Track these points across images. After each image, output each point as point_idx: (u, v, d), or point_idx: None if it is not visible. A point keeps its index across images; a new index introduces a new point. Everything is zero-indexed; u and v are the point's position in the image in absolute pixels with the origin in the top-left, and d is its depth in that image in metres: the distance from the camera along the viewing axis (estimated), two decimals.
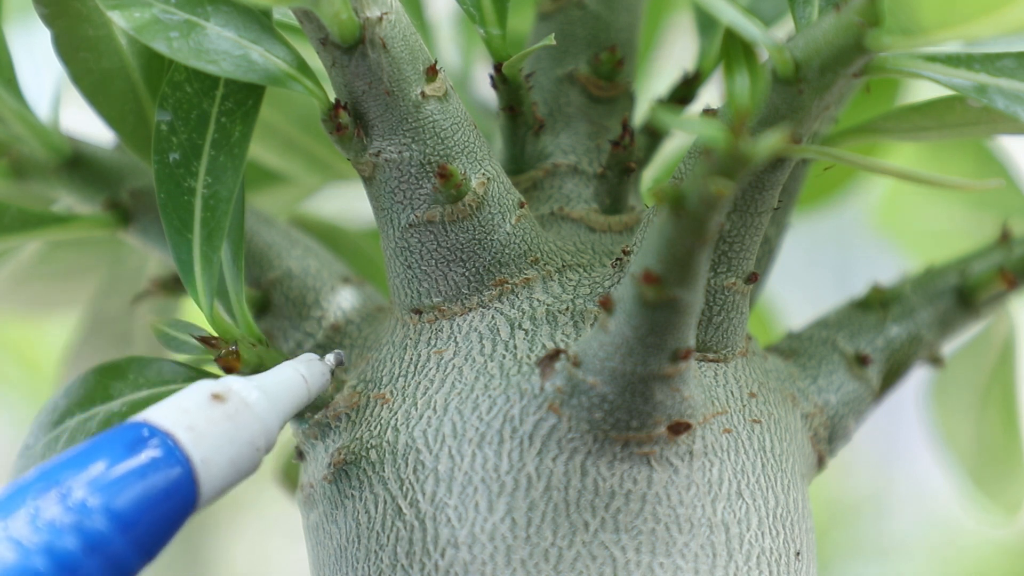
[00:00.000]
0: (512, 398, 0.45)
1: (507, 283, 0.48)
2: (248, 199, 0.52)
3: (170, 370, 0.49)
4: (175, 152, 0.48)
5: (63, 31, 0.50)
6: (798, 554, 0.47)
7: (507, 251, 0.48)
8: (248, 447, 0.42)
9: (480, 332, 0.47)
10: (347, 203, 0.74)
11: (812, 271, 1.49)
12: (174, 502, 0.40)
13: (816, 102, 0.44)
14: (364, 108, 0.46)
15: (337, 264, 0.54)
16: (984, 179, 0.67)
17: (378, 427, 0.47)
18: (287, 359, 0.48)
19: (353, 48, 0.45)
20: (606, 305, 0.42)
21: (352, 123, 0.46)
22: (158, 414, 0.41)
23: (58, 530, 0.38)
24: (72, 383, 0.50)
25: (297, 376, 0.45)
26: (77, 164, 0.55)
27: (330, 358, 0.47)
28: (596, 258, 0.49)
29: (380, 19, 0.45)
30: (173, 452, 0.41)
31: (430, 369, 0.47)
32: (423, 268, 0.48)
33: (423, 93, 0.46)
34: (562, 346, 0.46)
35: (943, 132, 0.49)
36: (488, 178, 0.47)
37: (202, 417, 0.42)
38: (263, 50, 0.46)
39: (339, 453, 0.47)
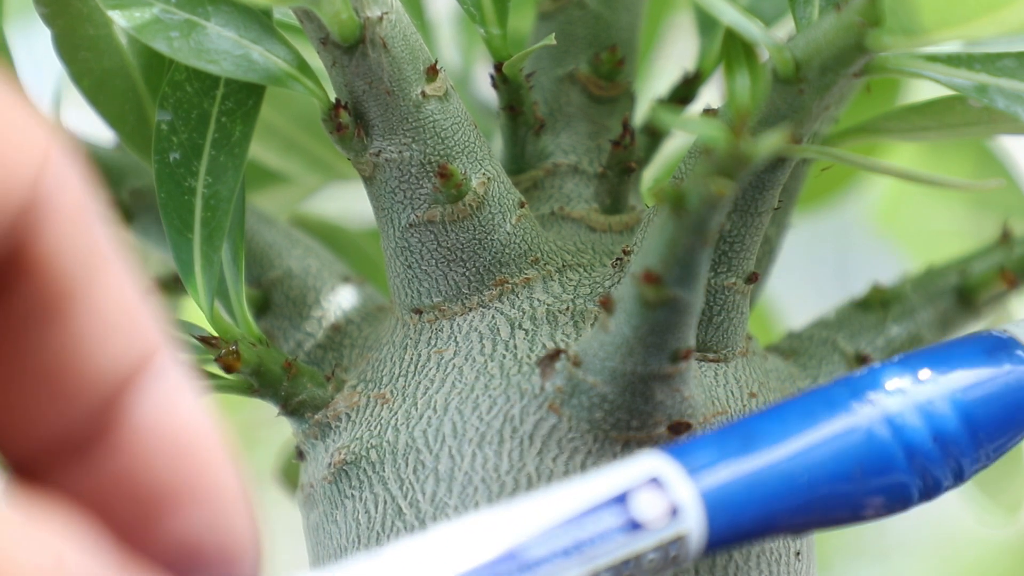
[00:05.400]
0: (512, 398, 0.45)
1: (507, 283, 0.48)
2: (248, 199, 0.52)
3: None
4: (175, 152, 0.48)
5: (63, 31, 0.50)
6: (798, 554, 0.47)
7: (507, 251, 0.48)
8: None
9: (480, 332, 0.47)
10: (347, 203, 0.74)
11: (813, 271, 1.49)
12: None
13: (817, 102, 0.44)
14: (364, 108, 0.46)
15: (338, 264, 0.54)
16: (984, 179, 0.67)
17: (378, 427, 0.47)
18: (287, 359, 0.48)
19: (353, 48, 0.45)
20: (606, 305, 0.42)
21: (352, 123, 0.46)
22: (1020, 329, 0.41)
23: (908, 411, 0.39)
24: None
25: None
26: None
27: None
28: (596, 258, 0.49)
29: (381, 19, 0.45)
30: None
31: (430, 369, 0.47)
32: (423, 268, 0.48)
33: (423, 93, 0.46)
34: (562, 346, 0.46)
35: (943, 132, 0.49)
36: (488, 178, 0.47)
37: None
38: (263, 50, 0.46)
39: (339, 453, 0.47)
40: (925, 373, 0.40)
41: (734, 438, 0.38)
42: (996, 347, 0.41)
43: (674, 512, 0.35)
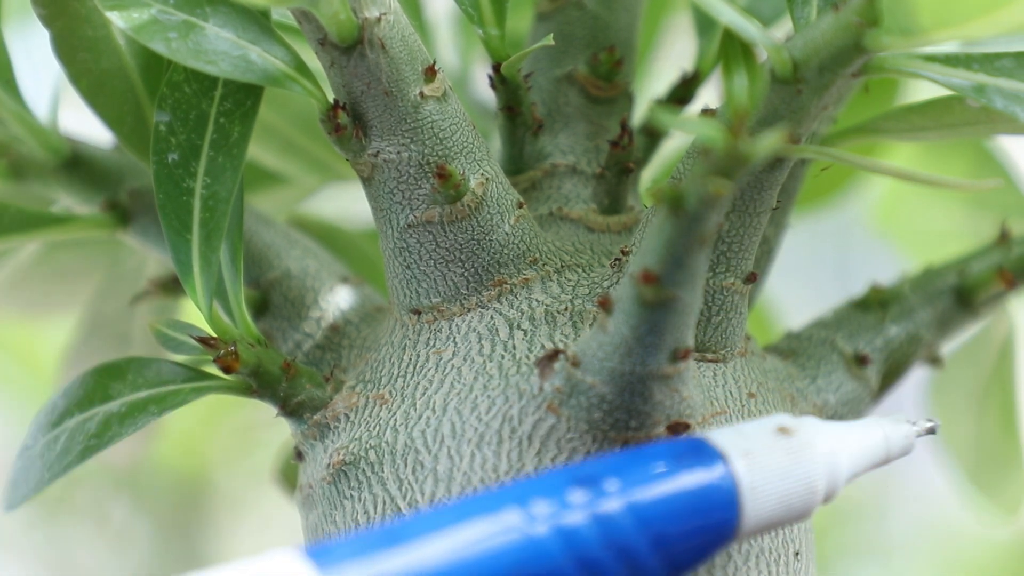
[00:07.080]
0: (511, 398, 0.45)
1: (506, 283, 0.48)
2: (247, 200, 0.52)
3: (169, 371, 0.49)
4: (174, 152, 0.48)
5: (62, 32, 0.50)
6: (797, 554, 0.47)
7: (506, 251, 0.48)
8: (803, 487, 0.40)
9: (479, 332, 0.47)
10: (346, 204, 0.74)
11: (812, 271, 1.49)
12: (710, 521, 0.39)
13: (815, 102, 0.44)
14: (363, 108, 0.46)
15: (336, 264, 0.54)
16: (983, 179, 0.67)
17: (377, 428, 0.47)
18: (286, 359, 0.48)
19: (352, 48, 0.45)
20: (605, 305, 0.42)
21: (351, 123, 0.46)
22: (715, 433, 0.41)
23: (579, 519, 0.38)
24: (71, 383, 0.50)
25: (879, 433, 0.43)
26: (76, 165, 0.55)
27: (922, 425, 0.44)
28: (595, 258, 0.49)
29: (379, 19, 0.45)
30: (720, 471, 0.40)
31: (429, 369, 0.47)
32: (422, 268, 0.48)
33: (422, 93, 0.46)
34: (561, 346, 0.46)
35: (942, 132, 0.49)
36: (487, 178, 0.47)
37: (760, 444, 0.40)
38: (261, 51, 0.46)
39: (338, 454, 0.47)
40: (609, 483, 0.39)
41: (379, 538, 0.37)
42: (687, 452, 0.40)
43: None
